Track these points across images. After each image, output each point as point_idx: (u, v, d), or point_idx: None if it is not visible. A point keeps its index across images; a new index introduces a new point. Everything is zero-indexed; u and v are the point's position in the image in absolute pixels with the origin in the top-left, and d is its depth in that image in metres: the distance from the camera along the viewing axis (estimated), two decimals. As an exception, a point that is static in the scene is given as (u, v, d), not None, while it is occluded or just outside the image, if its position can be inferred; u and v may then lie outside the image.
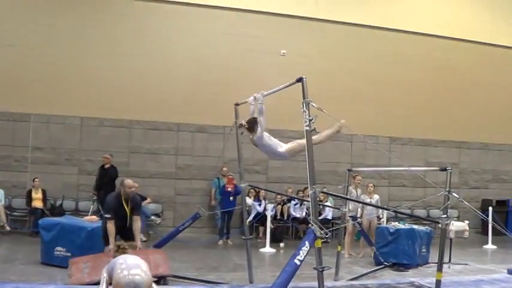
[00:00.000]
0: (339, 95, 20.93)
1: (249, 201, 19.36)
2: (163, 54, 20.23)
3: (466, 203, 9.28)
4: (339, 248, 12.49)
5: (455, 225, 15.57)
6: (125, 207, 11.53)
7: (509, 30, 24.44)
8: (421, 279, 12.54)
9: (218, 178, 19.90)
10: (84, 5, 19.76)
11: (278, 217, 19.91)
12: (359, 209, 16.63)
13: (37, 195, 18.32)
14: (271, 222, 18.31)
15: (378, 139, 21.44)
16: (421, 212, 22.18)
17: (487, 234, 19.74)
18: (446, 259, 14.10)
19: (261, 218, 19.09)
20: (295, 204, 20.00)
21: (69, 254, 12.25)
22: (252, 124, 9.60)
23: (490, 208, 19.86)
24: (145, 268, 6.49)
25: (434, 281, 9.22)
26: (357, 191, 16.77)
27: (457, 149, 23.79)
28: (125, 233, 11.42)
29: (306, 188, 13.91)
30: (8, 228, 17.64)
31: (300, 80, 8.06)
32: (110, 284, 6.61)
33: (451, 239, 14.94)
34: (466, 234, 16.16)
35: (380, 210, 17.30)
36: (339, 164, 20.81)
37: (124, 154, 19.69)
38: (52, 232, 12.89)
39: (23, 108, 19.02)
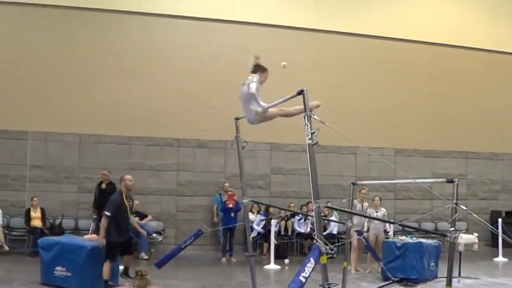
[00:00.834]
0: (342, 106, 20.75)
1: (252, 217, 19.11)
2: (162, 69, 20.02)
3: (475, 215, 8.95)
4: (345, 263, 12.15)
5: (464, 238, 15.31)
6: (126, 203, 12.34)
7: (513, 37, 24.23)
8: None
9: (220, 194, 19.60)
10: (82, 22, 19.57)
11: (282, 233, 19.59)
12: (365, 223, 16.34)
13: (36, 214, 18.05)
14: (275, 238, 18.01)
15: (382, 151, 21.22)
16: (428, 225, 21.88)
17: (497, 246, 19.41)
18: (455, 273, 13.86)
19: (264, 234, 18.82)
20: (300, 219, 19.71)
21: (69, 274, 12.19)
22: (260, 68, 9.88)
23: (500, 220, 19.48)
24: None
25: (444, 295, 8.93)
26: (362, 205, 16.45)
27: (465, 159, 23.46)
28: (126, 230, 12.42)
29: (310, 202, 13.63)
30: (6, 248, 17.37)
31: (301, 92, 7.78)
32: None
33: (460, 252, 14.69)
34: (476, 247, 15.94)
35: (387, 224, 16.96)
36: (343, 177, 20.51)
37: (124, 171, 19.18)
38: (52, 252, 12.68)
39: (20, 126, 18.82)
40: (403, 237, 15.52)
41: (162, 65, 20.07)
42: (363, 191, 16.62)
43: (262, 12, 21.16)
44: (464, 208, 8.27)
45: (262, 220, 19.38)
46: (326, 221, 19.20)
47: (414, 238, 15.53)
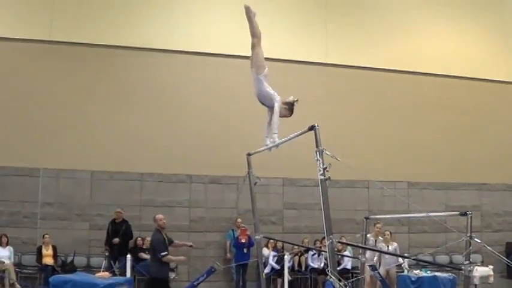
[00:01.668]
0: (354, 140, 20.73)
1: (266, 252, 18.99)
2: (173, 105, 20.05)
3: (489, 247, 8.87)
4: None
5: (479, 271, 15.20)
6: (166, 239, 12.77)
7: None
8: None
9: (233, 230, 19.51)
10: (93, 58, 19.69)
11: (296, 268, 19.45)
12: (375, 258, 16.17)
13: (47, 251, 17.96)
14: (289, 274, 17.87)
15: (395, 184, 21.11)
16: (443, 258, 21.65)
17: (513, 278, 19.20)
18: (472, 307, 13.65)
19: (278, 269, 18.70)
20: (313, 255, 19.58)
21: (81, 312, 12.01)
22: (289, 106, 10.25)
23: (515, 252, 19.32)
24: None
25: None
26: (376, 240, 16.31)
27: (478, 191, 23.25)
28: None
29: (324, 237, 13.52)
30: (18, 286, 17.26)
31: (312, 128, 7.74)
32: None
33: (475, 285, 14.54)
34: (491, 279, 15.82)
35: (400, 259, 16.81)
36: (356, 212, 20.34)
37: (136, 208, 19.35)
38: (64, 290, 12.59)
39: (32, 163, 18.78)
40: (418, 271, 15.39)
41: (174, 101, 20.10)
42: (377, 226, 16.50)
43: (272, 47, 21.16)
44: (479, 241, 8.22)
45: (275, 256, 19.26)
46: (340, 256, 19.06)
47: (429, 272, 15.40)
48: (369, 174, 9.25)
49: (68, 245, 18.62)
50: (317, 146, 7.61)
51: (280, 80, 20.82)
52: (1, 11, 19.29)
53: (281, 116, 9.62)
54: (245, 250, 18.34)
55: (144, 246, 18.63)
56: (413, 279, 14.55)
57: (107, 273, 14.28)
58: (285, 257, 17.94)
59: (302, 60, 21.35)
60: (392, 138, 21.87)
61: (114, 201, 18.88)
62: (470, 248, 8.25)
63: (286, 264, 17.62)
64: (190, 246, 14.17)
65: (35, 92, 19.06)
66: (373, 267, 14.20)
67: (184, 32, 20.63)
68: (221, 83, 20.53)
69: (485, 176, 23.16)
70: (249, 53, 19.92)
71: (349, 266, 19.73)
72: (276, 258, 19.18)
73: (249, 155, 11.06)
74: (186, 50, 20.34)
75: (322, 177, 7.49)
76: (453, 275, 15.46)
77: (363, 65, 22.05)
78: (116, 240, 17.76)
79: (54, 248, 18.13)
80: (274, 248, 19.60)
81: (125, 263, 16.08)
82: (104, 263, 17.86)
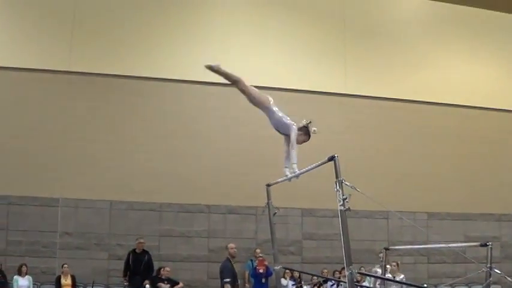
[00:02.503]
0: (373, 170, 20.75)
1: (285, 282, 18.94)
2: (193, 135, 20.13)
3: (509, 278, 8.82)
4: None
5: (499, 302, 15.05)
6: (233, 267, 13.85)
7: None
8: None
9: (252, 260, 19.42)
10: (113, 89, 19.84)
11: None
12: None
13: (66, 281, 17.90)
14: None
15: (415, 215, 21.04)
16: (463, 290, 21.53)
17: (533, 310, 18.99)
18: None
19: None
20: (332, 285, 19.48)
21: None
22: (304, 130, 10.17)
23: (536, 283, 19.09)
24: None
25: None
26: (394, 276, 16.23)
27: (498, 221, 23.15)
28: None
29: (343, 268, 13.48)
30: (38, 316, 17.32)
31: (332, 158, 7.75)
32: None
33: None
34: (511, 311, 15.62)
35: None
36: (375, 242, 20.21)
37: (155, 238, 19.36)
38: (83, 320, 12.59)
39: (51, 193, 18.83)
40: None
41: (192, 132, 20.18)
42: (393, 263, 16.42)
43: (292, 77, 21.29)
44: (499, 272, 8.18)
45: (293, 285, 19.21)
46: (359, 287, 18.98)
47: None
48: (388, 205, 9.22)
49: (87, 274, 18.57)
50: (337, 177, 7.60)
51: (299, 111, 20.97)
52: (24, 41, 19.52)
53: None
54: (263, 280, 18.27)
55: (163, 277, 18.64)
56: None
57: (125, 303, 14.29)
58: (304, 287, 17.88)
59: (321, 90, 21.43)
60: (411, 168, 21.85)
61: (133, 231, 18.91)
62: (490, 279, 8.21)
63: (305, 295, 17.58)
64: None
65: (54, 122, 19.24)
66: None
67: (205, 62, 20.71)
68: (241, 112, 20.52)
69: (505, 207, 23.05)
70: (266, 84, 20.18)
71: (368, 297, 19.65)
72: (294, 287, 19.14)
73: (268, 185, 11.07)
74: (206, 80, 20.38)
75: (342, 208, 7.48)
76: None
77: (382, 96, 22.13)
78: (147, 285, 17.57)
79: (73, 278, 18.07)
80: (292, 278, 19.55)
81: (144, 293, 16.10)
82: (123, 293, 17.89)
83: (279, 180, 9.96)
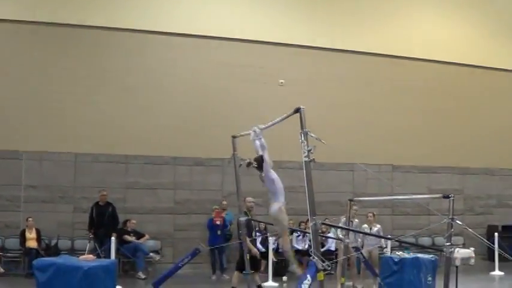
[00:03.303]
0: (339, 123, 20.82)
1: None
2: (158, 87, 20.00)
3: (470, 230, 9.00)
4: (343, 279, 12.17)
5: (461, 253, 15.24)
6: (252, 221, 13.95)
7: (508, 54, 24.37)
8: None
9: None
10: (76, 40, 19.55)
11: (280, 250, 19.50)
12: (359, 240, 16.26)
13: (31, 235, 17.91)
14: (273, 255, 17.92)
15: (380, 167, 21.26)
16: (426, 240, 21.88)
17: (493, 260, 19.37)
18: (452, 287, 13.78)
19: (262, 251, 18.77)
20: (298, 236, 19.64)
21: (65, 295, 11.90)
22: (260, 163, 10.22)
23: (496, 234, 19.47)
24: None
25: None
26: (353, 221, 16.42)
27: (461, 175, 23.50)
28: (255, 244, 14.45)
29: (308, 219, 13.60)
30: (1, 270, 17.29)
31: (297, 110, 7.76)
32: None
33: (457, 267, 14.65)
34: (472, 261, 15.88)
35: (383, 240, 16.93)
36: (340, 194, 20.37)
37: (120, 190, 19.31)
38: (47, 273, 12.40)
39: (14, 146, 18.69)
40: (400, 252, 15.47)
41: (158, 83, 20.04)
42: (353, 208, 16.61)
43: (259, 29, 21.16)
44: (460, 223, 8.31)
45: (259, 236, 19.32)
46: (324, 238, 19.15)
47: (411, 253, 15.48)
48: (353, 157, 9.28)
49: (52, 228, 18.58)
50: (302, 128, 7.63)
51: (266, 63, 21.06)
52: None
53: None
54: (219, 232, 18.32)
55: (129, 229, 18.66)
56: (395, 260, 14.56)
57: (91, 256, 14.17)
58: (270, 238, 17.98)
59: (288, 42, 21.34)
60: (377, 121, 22.00)
61: (98, 183, 18.84)
62: (452, 230, 8.33)
63: (271, 246, 17.66)
64: None
65: (17, 74, 18.96)
66: (356, 249, 14.30)
67: (172, 14, 20.54)
68: (206, 65, 20.49)
69: (468, 161, 23.40)
70: (232, 35, 20.05)
71: (332, 248, 19.80)
72: (260, 238, 19.25)
73: (234, 137, 11.06)
74: (172, 31, 20.26)
75: (307, 159, 7.52)
76: (435, 256, 15.52)
77: (349, 49, 22.14)
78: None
79: (38, 231, 18.06)
80: (257, 229, 19.64)
81: (110, 245, 16.09)
82: (88, 245, 17.83)
83: (245, 133, 9.96)
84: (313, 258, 7.35)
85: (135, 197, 19.54)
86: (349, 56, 22.11)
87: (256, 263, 13.38)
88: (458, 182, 23.37)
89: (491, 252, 20.42)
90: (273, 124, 9.07)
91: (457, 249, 14.80)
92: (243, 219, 11.98)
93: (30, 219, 17.94)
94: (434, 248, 19.46)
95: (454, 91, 23.34)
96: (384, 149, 21.75)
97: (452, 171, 23.37)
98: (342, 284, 12.36)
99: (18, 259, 18.16)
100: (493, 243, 18.11)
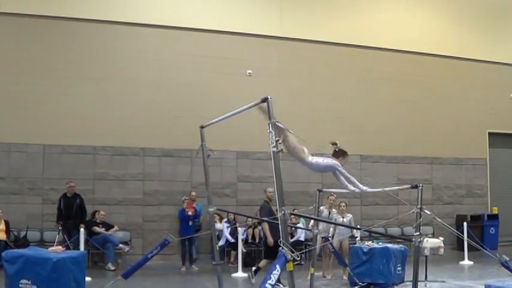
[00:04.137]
0: (307, 113, 20.90)
1: (220, 225, 19.08)
2: (126, 78, 19.89)
3: (439, 219, 9.04)
4: (312, 270, 12.20)
5: (430, 242, 15.42)
6: (274, 209, 14.01)
7: (477, 44, 24.60)
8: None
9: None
10: (44, 31, 19.34)
11: (250, 241, 19.53)
12: (331, 229, 16.36)
13: (0, 226, 17.73)
14: (243, 246, 17.94)
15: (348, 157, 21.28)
16: (395, 230, 22.01)
17: (463, 250, 19.54)
18: (422, 277, 13.94)
19: (232, 242, 18.80)
20: (267, 227, 19.63)
21: (34, 287, 11.82)
22: (341, 153, 10.50)
23: (465, 223, 19.63)
24: None
25: (410, 299, 9.01)
26: (330, 211, 16.49)
27: (430, 164, 23.67)
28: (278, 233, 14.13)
29: (277, 209, 13.65)
30: (-31, 262, 17.09)
31: (265, 100, 7.73)
32: None
33: (426, 256, 14.77)
34: (442, 251, 16.04)
35: (355, 230, 17.02)
36: (309, 185, 20.41)
37: (89, 181, 19.20)
38: (16, 265, 12.36)
39: (-19, 137, 18.49)
40: (370, 242, 15.56)
41: (126, 74, 19.92)
42: (331, 198, 16.67)
43: (227, 20, 21.12)
44: (429, 213, 8.37)
45: (228, 227, 19.33)
46: (293, 228, 19.19)
47: (380, 243, 15.58)
48: (322, 147, 9.32)
49: (21, 219, 18.44)
50: (270, 118, 7.62)
51: (234, 54, 21.02)
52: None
53: (346, 164, 10.45)
54: (190, 223, 18.28)
55: (98, 220, 18.58)
56: (365, 250, 14.66)
57: (60, 247, 14.12)
58: (239, 229, 17.99)
59: (257, 33, 21.32)
60: (345, 112, 22.08)
61: (67, 175, 18.66)
62: (421, 219, 8.38)
63: (240, 237, 17.68)
64: None
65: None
66: (326, 239, 14.35)
67: (138, 4, 20.45)
68: (174, 56, 20.42)
69: (437, 150, 23.60)
70: (200, 26, 19.97)
71: (302, 238, 19.88)
72: (229, 229, 19.27)
73: (202, 127, 11.01)
74: (140, 22, 20.15)
75: (275, 149, 7.51)
76: (404, 246, 15.66)
77: (319, 39, 22.16)
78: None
79: (7, 223, 17.90)
80: (226, 220, 19.66)
81: (79, 237, 16.00)
82: (58, 237, 17.71)
83: (213, 121, 9.96)
84: (282, 248, 7.34)
85: (103, 188, 19.44)
86: (318, 47, 22.13)
87: (272, 252, 13.61)
88: (427, 171, 23.54)
89: (460, 241, 20.62)
90: (239, 112, 9.01)
91: (426, 239, 15.03)
92: (211, 210, 11.91)
93: (-2, 210, 17.80)
94: (404, 238, 19.65)
95: (424, 81, 23.50)
96: (353, 139, 21.73)
97: (421, 161, 23.53)
98: (312, 274, 12.38)
99: (-13, 251, 17.98)
100: (462, 233, 18.27)
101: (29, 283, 12.01)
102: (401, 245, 15.67)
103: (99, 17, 19.79)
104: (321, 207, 14.87)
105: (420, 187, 8.52)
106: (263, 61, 21.23)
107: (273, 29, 21.54)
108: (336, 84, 22.17)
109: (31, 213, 18.66)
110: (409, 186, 9.04)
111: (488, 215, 23.69)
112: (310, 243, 18.00)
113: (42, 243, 18.04)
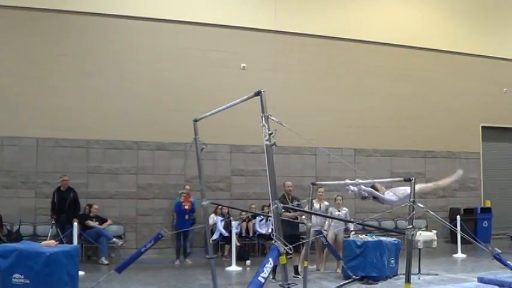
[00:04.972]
0: (302, 107, 20.91)
1: (214, 218, 19.08)
2: (120, 71, 19.83)
3: (432, 213, 9.04)
4: (306, 263, 12.21)
5: (423, 236, 15.48)
6: (290, 203, 14.55)
7: (470, 38, 24.63)
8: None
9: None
10: (37, 24, 19.27)
11: (243, 234, 19.53)
12: (326, 223, 16.39)
13: (-7, 221, 17.70)
14: (237, 239, 17.95)
15: (342, 151, 21.39)
16: (388, 224, 22.03)
17: (456, 243, 19.59)
18: (415, 270, 14.00)
19: (226, 236, 18.81)
20: (261, 220, 19.65)
21: (27, 281, 11.75)
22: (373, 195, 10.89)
23: (458, 217, 19.67)
24: None
25: (404, 292, 9.01)
26: (320, 204, 16.52)
27: (423, 158, 23.70)
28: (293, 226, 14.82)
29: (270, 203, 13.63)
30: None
31: (258, 93, 7.72)
32: None
33: (419, 249, 14.82)
34: (435, 244, 16.10)
35: (349, 223, 17.04)
36: (303, 178, 20.41)
37: (82, 175, 19.17)
38: (9, 259, 12.31)
39: (-26, 130, 18.42)
40: (363, 235, 15.59)
41: (120, 67, 19.87)
42: (319, 190, 16.69)
43: (221, 13, 21.09)
44: (422, 206, 8.37)
45: (222, 221, 19.33)
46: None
47: (374, 236, 15.62)
48: (316, 141, 9.30)
49: (14, 213, 18.36)
50: (263, 112, 7.61)
51: (229, 47, 21.00)
52: None
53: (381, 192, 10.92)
54: (187, 217, 18.26)
55: (91, 214, 18.56)
56: (358, 243, 14.71)
57: (53, 242, 14.09)
58: (233, 223, 17.99)
59: (251, 26, 21.29)
60: (340, 105, 22.09)
61: (60, 168, 18.68)
62: (414, 212, 8.37)
63: (234, 230, 17.67)
64: None
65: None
66: (319, 232, 14.35)
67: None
68: (168, 49, 20.39)
69: (430, 144, 23.64)
70: (195, 19, 19.96)
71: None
72: (223, 223, 19.27)
73: (195, 121, 10.99)
74: (133, 15, 20.10)
75: (268, 142, 7.50)
76: (398, 239, 15.70)
77: (312, 33, 22.15)
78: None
79: (0, 217, 17.87)
80: (221, 214, 19.65)
81: (72, 231, 15.98)
82: (51, 231, 17.69)
83: (206, 114, 9.95)
84: (275, 242, 7.33)
85: (97, 181, 19.41)
86: (313, 40, 22.13)
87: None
88: (420, 165, 23.58)
89: (453, 234, 20.68)
90: (232, 105, 9.00)
91: (420, 232, 15.08)
92: (205, 203, 11.88)
93: (-10, 204, 17.75)
94: (397, 231, 19.68)
95: (418, 75, 23.53)
96: (347, 132, 21.88)
97: (414, 154, 23.57)
98: (305, 268, 12.39)
99: (-20, 245, 17.93)
100: (455, 226, 18.30)
101: (22, 277, 11.96)
102: (394, 238, 15.72)
103: (93, 9, 19.72)
104: (313, 201, 14.91)
105: (413, 180, 8.53)
106: (257, 55, 21.22)
107: (267, 23, 21.51)
108: (331, 78, 22.17)
109: (24, 207, 18.59)
110: (402, 179, 9.04)
111: (481, 208, 23.80)
112: (304, 236, 18.07)
113: (35, 237, 17.99)
